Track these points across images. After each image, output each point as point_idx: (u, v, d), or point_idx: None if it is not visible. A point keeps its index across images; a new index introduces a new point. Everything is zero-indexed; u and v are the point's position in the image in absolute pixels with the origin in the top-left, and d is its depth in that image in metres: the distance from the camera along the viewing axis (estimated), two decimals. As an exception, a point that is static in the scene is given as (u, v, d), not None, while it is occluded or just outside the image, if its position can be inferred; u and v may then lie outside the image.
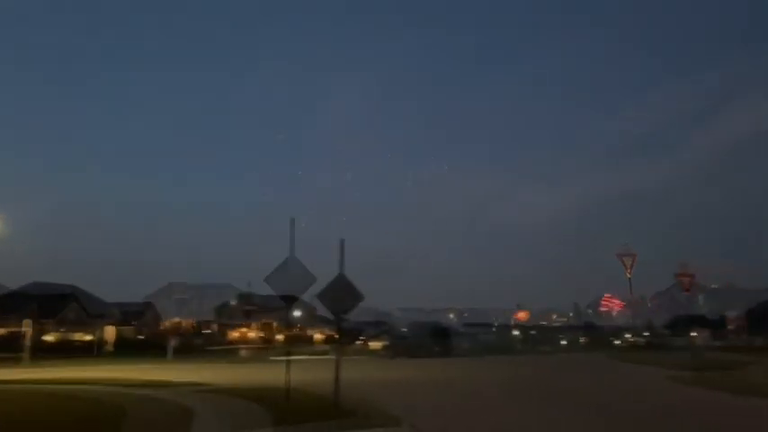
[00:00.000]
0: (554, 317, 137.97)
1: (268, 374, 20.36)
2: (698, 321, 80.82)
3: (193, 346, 46.76)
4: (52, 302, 49.09)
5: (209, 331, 58.09)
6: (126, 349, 43.16)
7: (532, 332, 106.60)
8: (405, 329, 42.26)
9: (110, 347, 45.81)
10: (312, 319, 70.47)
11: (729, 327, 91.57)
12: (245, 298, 70.04)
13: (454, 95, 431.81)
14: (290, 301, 10.19)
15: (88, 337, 48.05)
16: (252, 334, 64.42)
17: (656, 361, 25.85)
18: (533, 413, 9.68)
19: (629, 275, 17.92)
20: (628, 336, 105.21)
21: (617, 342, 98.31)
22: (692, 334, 52.84)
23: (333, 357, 9.87)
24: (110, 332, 51.82)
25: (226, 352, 46.16)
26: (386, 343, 48.47)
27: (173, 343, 37.01)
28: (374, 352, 52.87)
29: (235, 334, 63.87)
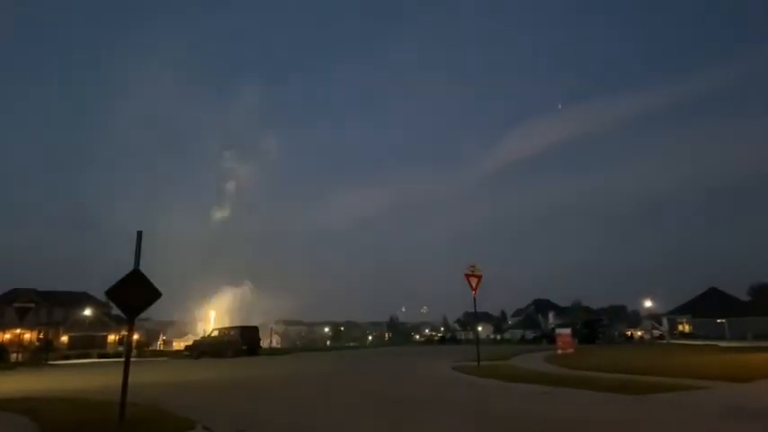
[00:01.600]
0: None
1: (46, 382, 17.99)
2: (483, 318, 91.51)
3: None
4: None
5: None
6: None
7: (341, 328, 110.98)
8: (215, 331, 40.64)
9: None
10: (108, 319, 64.11)
11: (510, 322, 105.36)
12: (22, 294, 60.77)
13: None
14: (132, 314, 9.14)
15: None
16: (28, 336, 56.31)
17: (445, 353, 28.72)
18: (323, 398, 10.09)
19: (474, 294, 19.86)
20: (426, 330, 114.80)
21: (417, 337, 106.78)
22: (478, 329, 59.67)
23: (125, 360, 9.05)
24: None
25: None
26: (189, 343, 46.11)
27: None
28: (177, 353, 49.92)
29: (6, 336, 55.15)
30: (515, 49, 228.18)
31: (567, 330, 33.44)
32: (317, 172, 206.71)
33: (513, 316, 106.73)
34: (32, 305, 38.42)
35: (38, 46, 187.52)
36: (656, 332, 74.81)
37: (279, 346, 70.81)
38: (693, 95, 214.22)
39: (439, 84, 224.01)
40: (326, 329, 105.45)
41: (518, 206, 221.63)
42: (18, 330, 49.30)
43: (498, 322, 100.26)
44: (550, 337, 50.23)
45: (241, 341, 36.21)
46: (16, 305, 35.73)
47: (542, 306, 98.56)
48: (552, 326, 75.13)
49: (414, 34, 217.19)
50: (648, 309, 70.85)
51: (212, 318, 67.52)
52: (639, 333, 77.29)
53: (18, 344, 45.27)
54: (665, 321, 75.62)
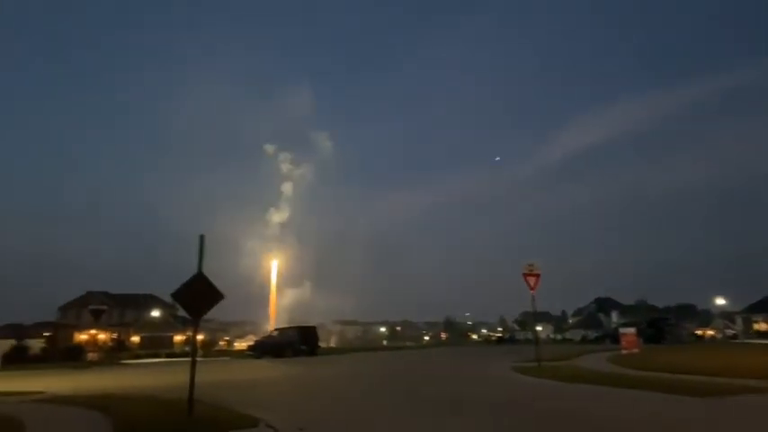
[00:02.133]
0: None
1: (118, 380, 18.97)
2: (542, 318, 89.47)
3: (27, 353, 41.86)
4: None
5: (47, 334, 52.18)
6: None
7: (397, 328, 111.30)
8: (275, 331, 41.67)
9: None
10: (174, 320, 66.91)
11: (570, 321, 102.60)
12: (95, 297, 64.38)
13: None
14: (196, 315, 9.59)
15: None
16: (102, 336, 59.42)
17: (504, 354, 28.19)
18: (380, 397, 10.10)
19: (533, 294, 19.64)
20: (483, 330, 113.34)
21: (474, 337, 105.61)
22: (538, 328, 58.33)
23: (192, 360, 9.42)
24: None
25: (68, 357, 41.97)
26: (251, 343, 47.41)
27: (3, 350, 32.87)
28: (240, 352, 51.48)
29: (83, 336, 58.41)
30: (563, 45, 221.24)
31: (632, 330, 32.14)
32: (372, 172, 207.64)
33: (574, 315, 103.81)
34: (105, 307, 40.64)
35: (97, 51, 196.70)
36: (730, 331, 70.80)
37: (336, 345, 71.85)
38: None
39: (489, 81, 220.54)
40: (383, 329, 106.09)
41: (574, 203, 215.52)
42: (93, 331, 52.07)
43: (558, 322, 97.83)
44: (614, 337, 48.33)
45: (300, 341, 36.91)
46: (91, 307, 37.92)
47: (604, 305, 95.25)
48: (615, 325, 72.46)
49: (462, 34, 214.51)
50: (720, 307, 67.21)
51: (272, 318, 69.21)
52: (711, 332, 73.35)
53: (93, 344, 47.88)
54: (738, 320, 71.45)
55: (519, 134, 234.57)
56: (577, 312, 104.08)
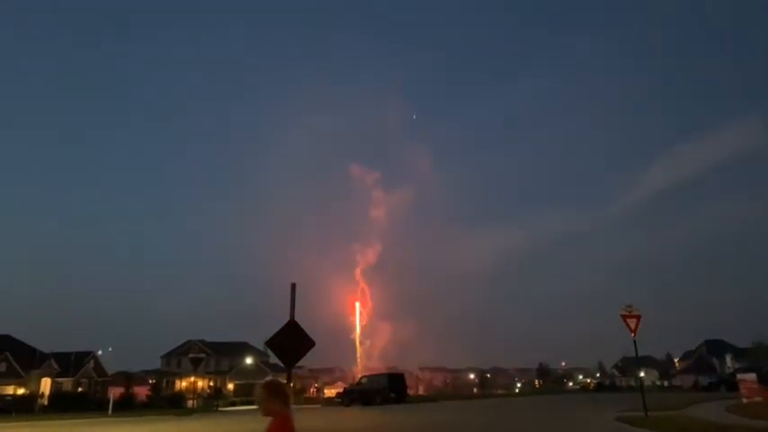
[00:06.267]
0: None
1: (216, 428, 19.60)
2: (645, 362, 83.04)
3: (134, 400, 44.47)
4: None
5: (152, 381, 55.27)
6: (64, 403, 40.67)
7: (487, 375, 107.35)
8: (363, 378, 41.59)
9: (44, 401, 42.98)
10: (266, 367, 68.80)
11: (677, 366, 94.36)
12: (194, 345, 67.76)
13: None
14: (289, 363, 9.92)
15: (21, 391, 45.07)
16: (201, 383, 61.99)
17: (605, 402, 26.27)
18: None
19: (633, 337, 18.59)
20: (580, 377, 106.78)
21: (570, 384, 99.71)
22: (641, 375, 54.16)
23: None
24: (45, 385, 48.72)
25: (170, 404, 44.08)
26: (340, 390, 47.59)
27: (114, 396, 35.13)
28: (329, 400, 51.73)
29: (182, 384, 61.33)
30: (660, 72, 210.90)
31: (752, 375, 28.95)
32: (457, 212, 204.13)
33: (681, 359, 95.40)
34: (203, 355, 42.64)
35: (177, 87, 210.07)
36: None
37: (424, 393, 70.35)
38: None
39: (576, 117, 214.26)
40: (471, 376, 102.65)
41: (672, 239, 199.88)
42: (192, 378, 54.59)
43: (664, 367, 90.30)
44: (730, 384, 43.79)
45: (389, 388, 36.57)
46: (191, 356, 39.91)
47: (716, 347, 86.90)
48: (731, 370, 65.77)
49: (548, 67, 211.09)
50: None
51: (360, 363, 69.23)
52: None
53: (193, 391, 50.10)
54: None
55: (617, 165, 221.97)
56: (685, 356, 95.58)
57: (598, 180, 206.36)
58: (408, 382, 43.06)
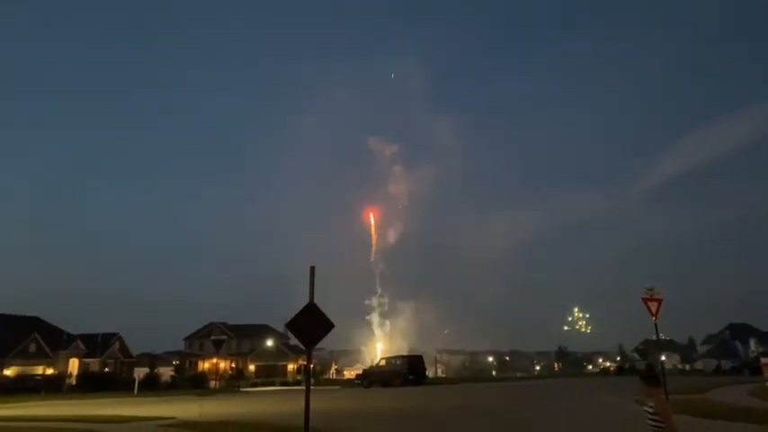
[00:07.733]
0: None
1: (237, 407, 19.98)
2: (666, 346, 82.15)
3: (159, 380, 45.60)
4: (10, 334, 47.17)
5: (176, 362, 56.46)
6: (91, 383, 41.84)
7: (506, 358, 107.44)
8: (383, 360, 41.93)
9: (72, 381, 44.24)
10: (286, 349, 69.70)
11: (700, 350, 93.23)
12: (216, 327, 68.95)
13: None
14: (309, 344, 10.06)
15: (50, 371, 46.41)
16: (222, 365, 63.14)
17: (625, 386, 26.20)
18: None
19: (654, 320, 18.32)
20: (600, 360, 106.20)
21: (590, 367, 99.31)
22: (662, 359, 53.63)
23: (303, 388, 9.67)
24: (73, 365, 50.08)
25: (193, 384, 45.07)
26: (359, 372, 48.04)
27: (138, 377, 36.02)
28: (349, 381, 52.33)
29: (204, 365, 62.58)
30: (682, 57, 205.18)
31: (777, 359, 28.60)
32: (476, 193, 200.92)
33: (704, 343, 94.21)
34: (225, 337, 43.37)
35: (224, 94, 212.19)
36: None
37: (443, 375, 70.70)
38: None
39: (595, 102, 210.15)
40: (490, 359, 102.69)
41: (694, 222, 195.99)
42: (214, 360, 55.63)
43: (686, 351, 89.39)
44: (753, 368, 43.19)
45: (407, 371, 36.81)
46: (213, 338, 40.63)
47: (739, 331, 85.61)
48: (755, 354, 64.84)
49: (572, 52, 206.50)
50: None
51: (379, 348, 69.71)
52: None
53: (215, 372, 51.10)
54: None
55: (639, 147, 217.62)
56: (708, 340, 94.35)
57: (619, 162, 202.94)
58: (427, 364, 43.27)
